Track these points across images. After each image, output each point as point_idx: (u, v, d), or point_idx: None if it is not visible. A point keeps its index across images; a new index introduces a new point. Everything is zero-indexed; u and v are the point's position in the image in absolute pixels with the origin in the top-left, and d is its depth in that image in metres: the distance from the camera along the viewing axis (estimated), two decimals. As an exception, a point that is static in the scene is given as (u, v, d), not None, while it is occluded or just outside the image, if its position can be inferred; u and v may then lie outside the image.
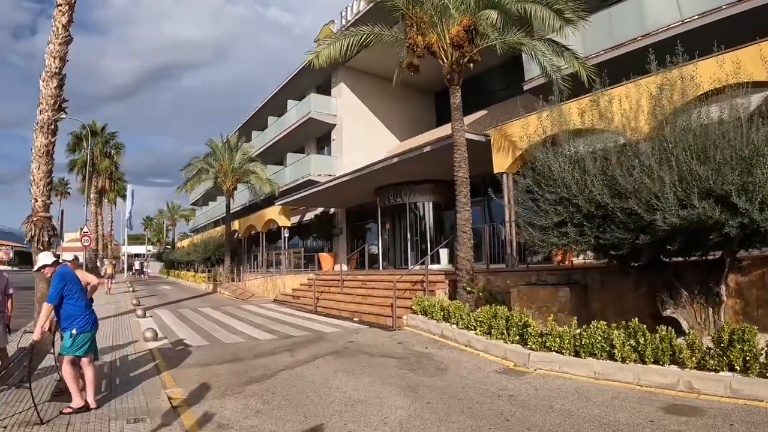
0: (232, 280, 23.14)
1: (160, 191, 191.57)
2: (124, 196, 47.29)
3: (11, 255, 66.86)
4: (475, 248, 10.02)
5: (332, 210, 22.84)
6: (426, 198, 17.07)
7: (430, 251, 17.07)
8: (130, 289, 23.15)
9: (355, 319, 11.04)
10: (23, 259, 64.17)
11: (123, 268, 47.26)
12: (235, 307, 15.28)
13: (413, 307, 9.72)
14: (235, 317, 12.52)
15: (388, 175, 15.78)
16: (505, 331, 7.13)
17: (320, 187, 18.04)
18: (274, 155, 28.03)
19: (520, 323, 6.93)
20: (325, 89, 24.26)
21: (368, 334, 9.16)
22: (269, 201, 25.34)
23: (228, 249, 24.61)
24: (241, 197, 30.89)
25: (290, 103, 25.35)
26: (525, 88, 13.70)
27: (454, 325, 8.44)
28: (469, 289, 9.41)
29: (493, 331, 7.35)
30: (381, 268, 17.54)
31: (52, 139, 9.99)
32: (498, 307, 7.74)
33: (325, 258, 21.60)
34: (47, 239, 9.64)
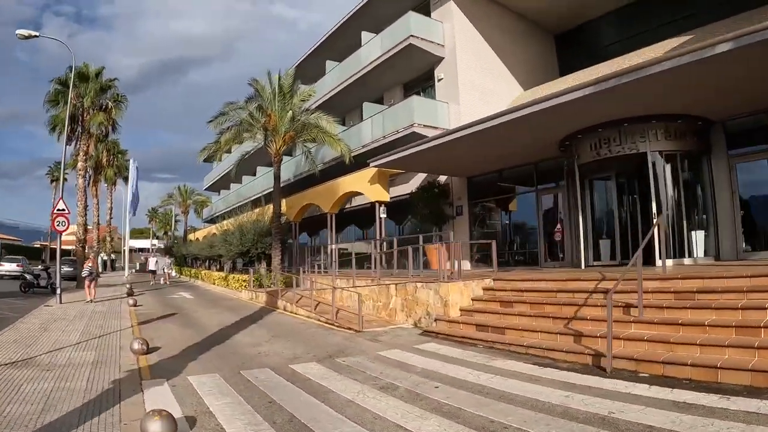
0: (289, 285, 14.61)
1: (167, 186, 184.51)
2: (125, 178, 36.72)
3: (-3, 249, 58.52)
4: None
5: (442, 179, 15.19)
6: (658, 146, 9.57)
7: (672, 236, 9.47)
8: (129, 298, 14.00)
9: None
10: (10, 251, 58.00)
11: (124, 266, 36.68)
12: (373, 361, 6.50)
13: None
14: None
15: (600, 106, 8.53)
16: None
17: (458, 135, 10.51)
18: (334, 112, 20.31)
19: None
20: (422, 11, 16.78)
21: None
22: (331, 172, 17.84)
23: (278, 238, 16.55)
24: (285, 170, 23.01)
25: (366, 35, 17.84)
26: None
27: None
28: None
29: None
30: (580, 265, 10.01)
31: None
32: None
33: (432, 252, 14.06)
34: None
